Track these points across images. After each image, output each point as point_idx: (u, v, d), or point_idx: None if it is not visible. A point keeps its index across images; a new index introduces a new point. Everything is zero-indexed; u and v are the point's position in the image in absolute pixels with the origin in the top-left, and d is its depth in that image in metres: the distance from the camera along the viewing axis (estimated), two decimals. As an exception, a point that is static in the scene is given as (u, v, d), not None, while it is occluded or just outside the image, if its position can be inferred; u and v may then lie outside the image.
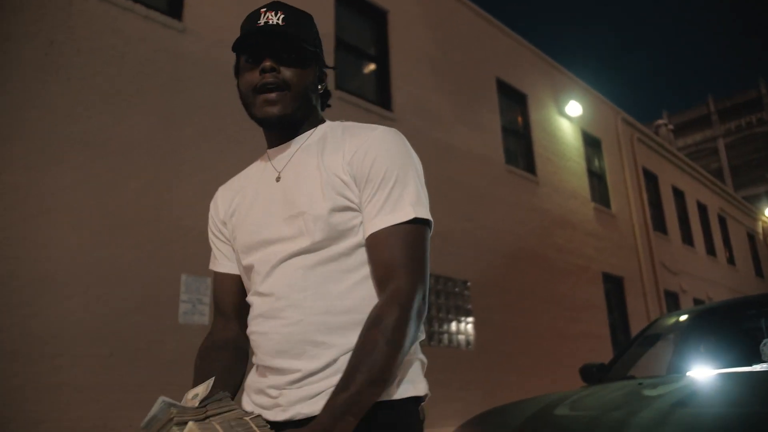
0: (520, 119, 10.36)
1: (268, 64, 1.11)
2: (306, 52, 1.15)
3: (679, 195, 15.76)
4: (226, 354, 1.21)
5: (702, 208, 16.99)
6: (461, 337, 7.51)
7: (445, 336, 7.26)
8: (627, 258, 11.91)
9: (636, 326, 11.31)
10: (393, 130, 1.17)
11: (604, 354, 10.24)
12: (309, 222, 1.09)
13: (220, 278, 1.29)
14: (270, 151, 1.24)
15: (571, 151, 11.39)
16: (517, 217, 9.20)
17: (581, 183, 11.27)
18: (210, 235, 1.32)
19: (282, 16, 1.14)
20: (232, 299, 1.27)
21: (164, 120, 5.02)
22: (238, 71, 1.20)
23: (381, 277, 1.05)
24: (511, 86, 10.08)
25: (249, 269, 1.18)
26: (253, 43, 1.14)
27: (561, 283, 9.60)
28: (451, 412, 6.80)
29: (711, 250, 16.67)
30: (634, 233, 12.48)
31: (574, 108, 11.55)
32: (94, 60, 4.65)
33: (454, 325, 7.43)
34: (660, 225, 13.92)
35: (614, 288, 11.25)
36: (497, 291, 8.19)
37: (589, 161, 11.95)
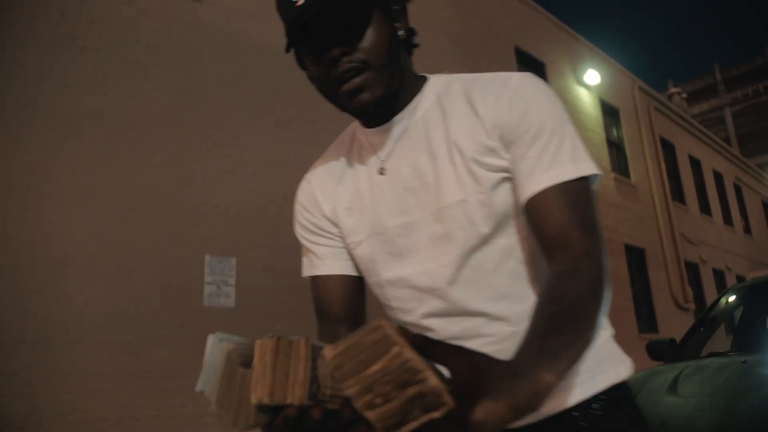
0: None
1: (335, 52, 0.87)
2: (367, 7, 0.88)
3: (695, 164, 15.47)
4: None
5: (718, 177, 16.70)
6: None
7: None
8: (648, 229, 11.69)
9: (659, 298, 11.13)
10: (532, 75, 0.94)
11: (630, 327, 10.09)
12: (466, 214, 0.89)
13: (325, 281, 1.06)
14: (367, 132, 0.99)
15: (590, 121, 11.12)
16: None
17: (601, 153, 11.02)
18: (304, 233, 1.08)
19: None
20: (345, 304, 1.05)
21: (183, 93, 4.80)
22: (302, 64, 0.97)
23: (551, 245, 0.82)
24: (530, 55, 9.84)
25: (395, 284, 0.98)
26: (301, 33, 0.88)
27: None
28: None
29: (728, 220, 16.43)
30: (654, 204, 12.24)
31: (593, 76, 11.24)
32: (109, 31, 4.41)
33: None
34: (678, 195, 13.66)
35: (636, 260, 11.05)
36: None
37: (607, 131, 11.68)
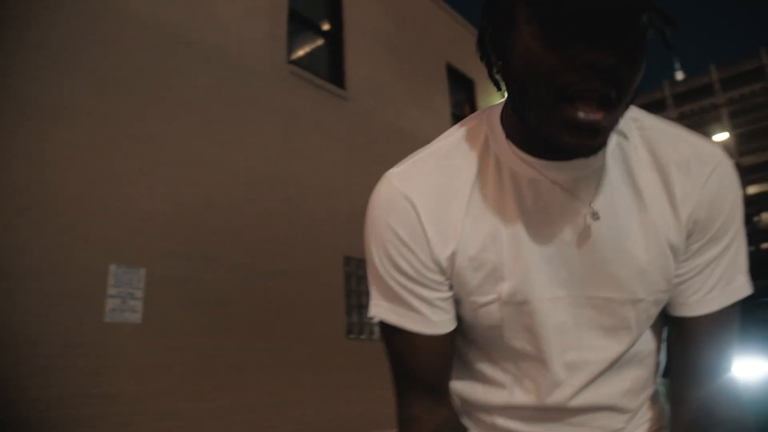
0: (467, 105, 10.17)
1: (611, 59, 0.58)
2: (648, 27, 0.61)
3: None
4: None
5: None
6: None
7: (367, 327, 6.87)
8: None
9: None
10: (724, 153, 0.76)
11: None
12: (642, 313, 0.76)
13: (425, 342, 0.79)
14: (539, 164, 0.71)
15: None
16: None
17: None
18: (396, 274, 0.77)
19: None
20: (445, 370, 0.82)
21: (100, 82, 4.35)
22: (507, 37, 0.65)
23: (710, 371, 0.76)
24: (460, 72, 9.89)
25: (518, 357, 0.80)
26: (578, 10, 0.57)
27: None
28: (382, 416, 6.45)
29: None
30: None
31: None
32: (25, 11, 3.88)
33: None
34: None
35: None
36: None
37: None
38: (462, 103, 10.07)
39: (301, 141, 6.02)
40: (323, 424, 5.56)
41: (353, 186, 6.64)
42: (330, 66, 6.96)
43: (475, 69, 10.39)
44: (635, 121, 0.76)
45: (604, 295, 0.74)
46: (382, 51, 7.82)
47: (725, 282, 0.74)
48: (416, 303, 0.77)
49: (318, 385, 5.57)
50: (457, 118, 9.57)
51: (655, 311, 0.77)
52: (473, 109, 10.18)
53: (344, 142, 6.67)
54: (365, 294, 6.53)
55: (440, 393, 0.81)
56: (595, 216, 0.71)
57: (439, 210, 0.75)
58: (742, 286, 0.75)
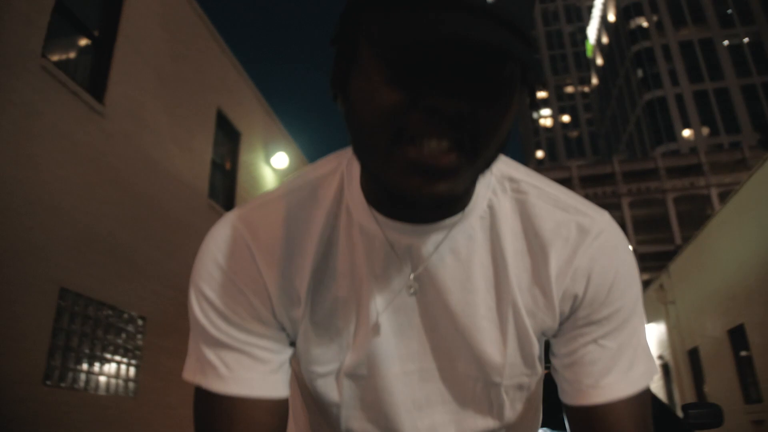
0: (229, 156, 9.99)
1: (461, 106, 0.49)
2: (520, 67, 0.52)
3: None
4: None
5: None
6: (123, 383, 6.39)
7: (104, 380, 6.09)
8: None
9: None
10: (610, 220, 0.70)
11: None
12: (501, 395, 0.68)
13: (248, 406, 0.65)
14: (389, 225, 0.63)
15: (269, 201, 11.40)
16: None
17: (272, 234, 11.31)
18: (220, 322, 0.65)
19: None
20: None
21: None
22: (350, 55, 0.55)
23: None
24: (229, 121, 9.76)
25: None
26: (424, 52, 0.48)
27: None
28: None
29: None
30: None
31: (281, 160, 11.67)
32: None
33: (116, 368, 6.30)
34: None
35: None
36: (173, 332, 7.33)
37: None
38: (225, 154, 9.88)
39: (38, 147, 5.20)
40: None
41: (90, 210, 5.89)
42: (91, 76, 6.26)
43: (244, 121, 10.35)
44: (511, 182, 0.67)
45: (459, 370, 0.67)
46: (153, 76, 7.33)
47: (626, 368, 0.64)
48: (242, 360, 0.65)
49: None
50: (216, 166, 9.32)
51: (523, 394, 0.70)
52: (234, 161, 10.04)
53: (90, 161, 5.94)
54: (77, 335, 5.69)
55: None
56: (412, 290, 0.63)
57: (283, 266, 0.65)
58: (647, 374, 0.66)
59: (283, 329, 0.67)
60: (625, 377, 0.64)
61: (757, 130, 45.89)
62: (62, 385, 5.47)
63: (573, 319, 0.66)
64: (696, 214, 36.09)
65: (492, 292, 0.64)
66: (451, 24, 0.43)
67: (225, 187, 9.71)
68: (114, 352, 6.27)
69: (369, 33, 0.50)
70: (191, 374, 0.69)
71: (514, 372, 0.66)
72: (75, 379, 5.64)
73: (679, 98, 50.38)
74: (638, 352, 0.65)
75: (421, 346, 0.66)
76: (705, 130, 49.68)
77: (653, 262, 33.78)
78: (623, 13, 54.88)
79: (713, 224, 13.10)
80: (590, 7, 68.12)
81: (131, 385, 6.51)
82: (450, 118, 0.48)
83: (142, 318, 6.78)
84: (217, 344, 0.65)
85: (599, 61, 65.24)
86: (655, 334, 17.39)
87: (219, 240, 0.66)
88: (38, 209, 5.20)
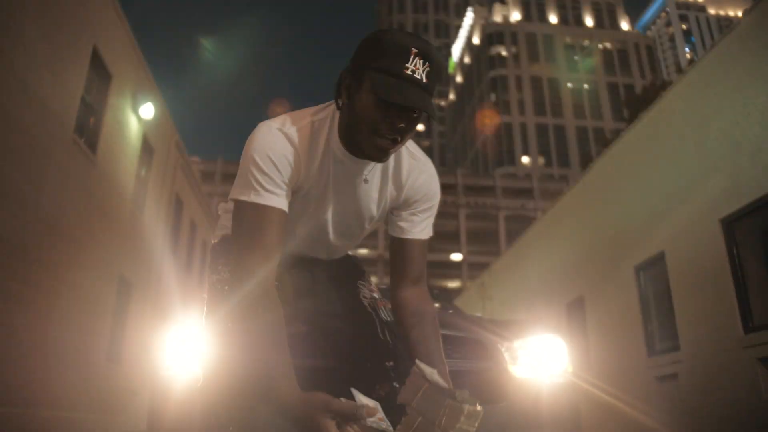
0: (98, 97, 9.87)
1: (403, 127, 1.25)
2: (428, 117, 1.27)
3: (194, 228, 17.15)
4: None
5: (204, 247, 18.83)
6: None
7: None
8: (143, 267, 12.22)
9: (131, 329, 11.53)
10: (433, 168, 1.58)
11: (101, 349, 10.07)
12: (364, 228, 1.57)
13: (274, 215, 1.31)
14: (352, 158, 1.39)
15: (130, 149, 11.35)
16: (68, 188, 8.60)
17: (129, 181, 11.27)
18: (269, 170, 1.31)
19: (427, 69, 1.21)
20: (281, 236, 1.32)
21: None
22: (359, 77, 1.25)
23: (418, 275, 1.54)
24: (103, 61, 9.68)
25: (301, 237, 1.51)
26: (395, 95, 1.19)
27: (83, 271, 9.19)
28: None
29: (203, 285, 18.45)
30: (154, 246, 12.95)
31: (148, 110, 11.65)
32: None
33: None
34: (173, 247, 14.80)
35: (124, 291, 11.32)
36: (25, 257, 7.32)
37: (139, 165, 12.05)
38: (95, 93, 9.76)
39: None
40: None
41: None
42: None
43: (117, 64, 10.28)
44: (408, 151, 1.50)
45: (351, 219, 1.52)
46: (35, 1, 7.27)
47: (425, 227, 1.54)
48: (276, 187, 1.33)
49: None
50: (84, 103, 9.26)
51: (365, 232, 1.59)
52: (102, 102, 9.96)
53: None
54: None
55: (274, 257, 1.29)
56: (366, 181, 1.44)
57: (298, 162, 1.36)
58: (429, 232, 1.55)
59: (289, 185, 1.37)
60: (422, 232, 1.53)
61: (583, 167, 51.72)
62: None
63: (407, 204, 1.52)
64: (522, 233, 40.22)
65: (379, 188, 1.47)
66: (411, 96, 1.17)
67: (91, 126, 9.61)
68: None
69: (372, 80, 1.21)
70: (238, 194, 1.32)
71: (374, 221, 1.53)
72: None
73: (523, 127, 54.98)
74: (429, 223, 1.55)
75: (343, 206, 1.47)
76: (540, 159, 54.58)
77: (480, 270, 37.17)
78: (486, 39, 58.76)
79: (529, 235, 15.34)
80: (458, 27, 71.94)
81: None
82: (398, 129, 1.24)
83: (-4, 237, 6.74)
84: (259, 183, 1.31)
85: (459, 78, 69.06)
86: (471, 325, 19.50)
87: (270, 135, 1.33)
88: None
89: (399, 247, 1.51)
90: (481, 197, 45.99)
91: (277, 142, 1.31)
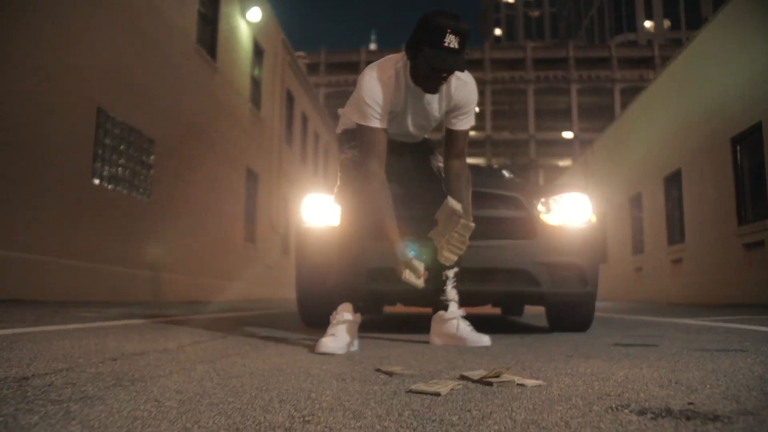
0: (211, 7, 10.90)
1: (444, 76, 2.14)
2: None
3: (305, 120, 18.51)
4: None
5: (316, 137, 20.29)
6: (141, 189, 8.03)
7: (127, 184, 7.69)
8: (265, 159, 13.80)
9: (260, 217, 13.35)
10: (474, 82, 2.39)
11: (239, 234, 11.94)
12: (432, 126, 2.48)
13: (381, 133, 2.20)
14: (418, 89, 2.25)
15: (242, 51, 12.49)
16: (198, 95, 9.95)
17: (243, 83, 12.53)
18: (380, 102, 2.18)
19: (458, 40, 2.03)
20: (385, 144, 2.21)
21: None
22: (418, 48, 2.08)
23: (459, 152, 2.46)
24: None
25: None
26: (438, 63, 2.05)
27: (218, 165, 10.79)
28: (127, 253, 7.40)
29: (317, 172, 20.15)
30: (272, 140, 14.45)
31: (255, 14, 12.62)
32: None
33: (136, 177, 7.89)
34: (288, 139, 16.29)
35: (252, 182, 13.00)
36: (175, 157, 8.88)
37: (252, 66, 13.23)
38: (207, 4, 10.78)
39: (77, -13, 6.32)
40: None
41: (113, 43, 7.15)
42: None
43: (225, -25, 11.12)
44: (456, 77, 2.30)
45: (422, 121, 2.43)
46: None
47: (465, 122, 2.42)
48: (380, 115, 2.23)
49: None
50: (201, 16, 10.33)
51: (435, 124, 2.50)
52: (216, 10, 11.00)
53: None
54: (109, 148, 7.17)
55: (384, 161, 2.23)
56: (428, 103, 2.33)
57: (394, 91, 2.27)
58: (468, 124, 2.44)
59: (385, 108, 2.27)
60: (463, 125, 2.45)
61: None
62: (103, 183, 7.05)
63: (455, 108, 2.40)
64: (626, 108, 37.99)
65: (438, 102, 2.37)
66: (449, 62, 2.10)
67: (208, 35, 10.76)
68: (134, 162, 7.82)
69: (424, 53, 2.12)
70: (359, 119, 2.24)
71: (437, 120, 2.46)
72: (106, 179, 7.20)
73: (646, -15, 50.17)
74: (468, 119, 2.45)
75: (416, 115, 2.38)
76: (666, 23, 49.70)
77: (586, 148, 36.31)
78: None
79: (631, 110, 15.10)
80: None
81: (147, 191, 8.15)
82: (442, 78, 2.19)
83: (151, 141, 8.26)
84: (371, 115, 2.22)
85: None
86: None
87: (373, 83, 2.22)
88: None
89: (449, 134, 2.45)
90: (595, 70, 43.54)
91: (379, 89, 2.20)
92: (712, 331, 3.18)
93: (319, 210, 3.12)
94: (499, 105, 42.60)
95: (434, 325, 2.44)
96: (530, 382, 1.31)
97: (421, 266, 2.07)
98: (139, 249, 7.76)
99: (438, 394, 1.14)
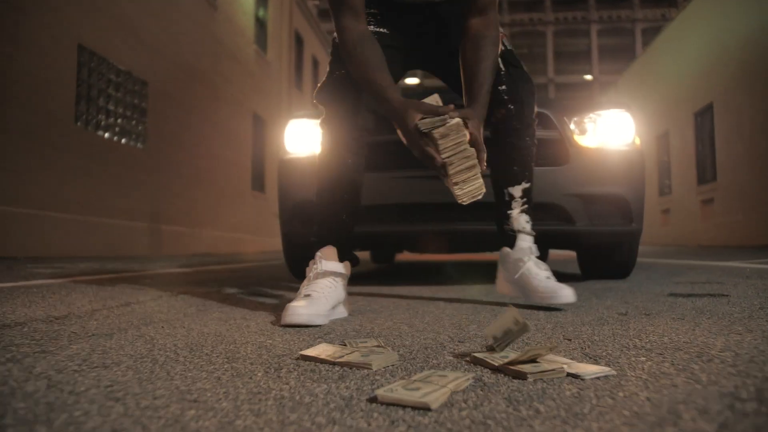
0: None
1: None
2: None
3: (315, 63, 17.73)
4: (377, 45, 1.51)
5: (328, 82, 19.52)
6: (134, 135, 7.52)
7: (118, 130, 7.19)
8: (273, 103, 13.17)
9: (271, 163, 12.84)
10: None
11: (246, 180, 11.46)
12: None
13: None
14: None
15: (245, -11, 11.74)
16: (197, 35, 9.30)
17: (248, 23, 11.80)
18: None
19: None
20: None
21: None
22: None
23: (483, 5, 1.58)
24: None
25: None
26: None
27: (222, 110, 10.21)
28: (122, 205, 6.96)
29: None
30: (281, 83, 13.77)
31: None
32: None
33: (128, 122, 7.37)
34: (298, 84, 15.59)
35: (259, 127, 12.42)
36: (172, 101, 8.32)
37: (257, 6, 12.47)
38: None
39: None
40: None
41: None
42: None
43: None
44: None
45: None
46: None
47: None
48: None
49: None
50: (198, -54, 9.57)
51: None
52: None
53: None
54: (95, 88, 6.64)
55: (360, 14, 1.50)
56: None
57: None
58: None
59: None
60: None
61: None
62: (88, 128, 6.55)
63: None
64: (651, 41, 36.46)
65: None
66: None
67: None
68: (127, 109, 7.29)
69: None
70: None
71: None
72: (100, 127, 6.70)
73: None
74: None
75: None
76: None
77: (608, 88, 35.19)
78: None
79: (657, 43, 14.10)
80: None
81: (140, 138, 7.64)
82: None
83: (144, 83, 7.70)
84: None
85: None
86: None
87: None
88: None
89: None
90: (615, 10, 41.54)
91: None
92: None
93: (306, 137, 2.58)
94: (518, 48, 41.01)
95: (500, 267, 1.73)
96: (589, 369, 0.78)
97: (443, 117, 1.31)
98: (135, 200, 7.32)
99: (426, 408, 0.62)
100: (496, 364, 0.81)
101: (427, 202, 2.32)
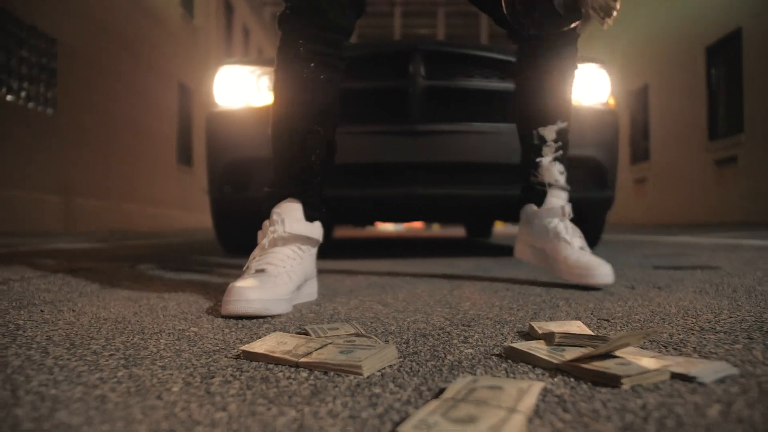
0: None
1: None
2: None
3: (246, 34, 16.94)
4: None
5: (260, 53, 18.73)
6: (43, 100, 6.76)
7: (25, 94, 6.43)
8: (200, 73, 12.42)
9: (198, 136, 12.12)
10: None
11: (169, 152, 10.76)
12: None
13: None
14: None
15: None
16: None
17: (174, -16, 11.01)
18: None
19: None
20: None
21: None
22: None
23: None
24: None
25: None
26: None
27: (144, 77, 9.46)
28: (31, 176, 6.26)
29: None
30: (209, 52, 13.00)
31: None
32: None
33: (35, 85, 6.61)
34: (228, 52, 14.82)
35: (186, 98, 11.67)
36: (86, 63, 7.57)
37: (183, -33, 11.65)
38: None
39: None
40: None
41: None
42: None
43: None
44: None
45: None
46: None
47: None
48: None
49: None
50: None
51: None
52: None
53: None
54: (15, 58, 5.89)
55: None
56: None
57: None
58: None
59: None
60: None
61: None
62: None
63: None
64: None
65: None
66: None
67: None
68: (33, 70, 6.52)
69: None
70: None
71: None
72: (7, 89, 5.94)
73: None
74: None
75: None
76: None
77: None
78: None
79: (593, 25, 14.26)
80: None
81: (50, 103, 6.89)
82: None
83: (52, 40, 6.93)
84: None
85: None
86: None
87: None
88: None
89: None
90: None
91: None
92: (739, 249, 2.51)
93: (240, 86, 2.22)
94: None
95: (521, 228, 1.41)
96: (703, 367, 0.51)
97: None
98: (43, 170, 6.60)
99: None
100: (555, 362, 0.52)
101: (412, 161, 1.97)
